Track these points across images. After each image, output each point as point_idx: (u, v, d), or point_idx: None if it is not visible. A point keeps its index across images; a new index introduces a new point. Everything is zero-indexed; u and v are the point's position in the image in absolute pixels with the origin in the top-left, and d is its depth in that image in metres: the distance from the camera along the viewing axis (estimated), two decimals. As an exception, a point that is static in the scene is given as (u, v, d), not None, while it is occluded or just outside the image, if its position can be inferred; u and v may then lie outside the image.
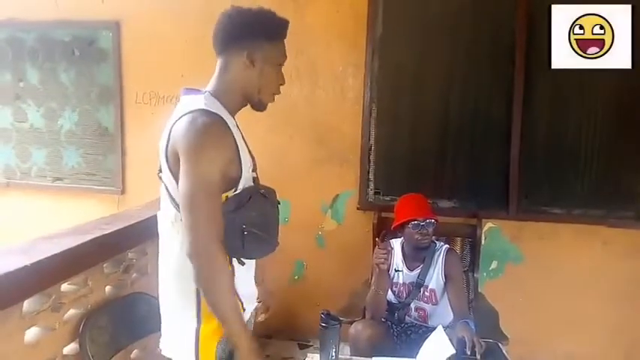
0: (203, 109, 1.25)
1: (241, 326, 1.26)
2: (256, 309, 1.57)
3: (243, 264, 1.33)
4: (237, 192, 1.28)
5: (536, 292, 2.90)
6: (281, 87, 1.43)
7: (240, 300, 1.33)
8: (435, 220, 2.22)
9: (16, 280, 1.40)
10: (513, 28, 2.83)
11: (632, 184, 2.80)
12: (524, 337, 2.70)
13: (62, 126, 3.43)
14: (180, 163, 1.22)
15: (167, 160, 1.27)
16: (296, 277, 3.22)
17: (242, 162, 1.29)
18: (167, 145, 1.26)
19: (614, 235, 2.82)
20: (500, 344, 1.96)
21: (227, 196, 1.27)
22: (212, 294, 1.22)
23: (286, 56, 1.40)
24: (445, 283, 2.23)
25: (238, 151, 1.28)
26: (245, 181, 1.31)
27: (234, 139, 1.28)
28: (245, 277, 1.38)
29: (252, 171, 1.37)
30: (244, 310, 1.36)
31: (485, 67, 2.92)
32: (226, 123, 1.28)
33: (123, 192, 3.39)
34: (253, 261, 1.43)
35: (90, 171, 3.45)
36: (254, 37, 1.32)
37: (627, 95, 2.79)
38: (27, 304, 1.51)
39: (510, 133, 2.86)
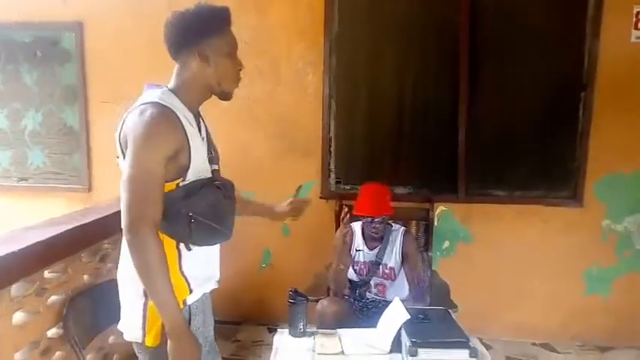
0: (155, 102, 1.31)
1: (172, 312, 1.28)
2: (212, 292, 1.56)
3: (189, 249, 1.38)
4: (187, 182, 1.34)
5: (484, 268, 3.17)
6: (241, 72, 1.47)
7: (186, 281, 1.38)
8: (389, 214, 2.43)
9: (5, 265, 1.52)
10: (458, 23, 3.06)
11: (567, 166, 3.10)
12: (474, 310, 2.95)
13: (26, 126, 3.47)
14: (127, 150, 1.28)
15: (121, 149, 1.35)
16: (263, 265, 3.38)
17: (192, 152, 1.34)
18: (120, 134, 1.34)
19: (551, 214, 3.12)
20: (450, 311, 2.18)
21: (177, 184, 1.34)
22: (143, 274, 1.26)
23: (236, 43, 1.45)
24: (402, 261, 2.45)
25: (188, 141, 1.33)
26: (196, 172, 1.36)
27: (185, 130, 1.33)
28: (200, 261, 1.42)
29: (213, 164, 1.45)
30: (191, 291, 1.40)
31: (435, 62, 3.17)
32: (176, 115, 1.32)
33: (89, 189, 3.46)
34: (215, 247, 1.50)
35: (56, 170, 3.50)
36: (199, 36, 1.37)
37: (564, 83, 3.09)
38: (14, 289, 1.63)
39: (458, 124, 3.11)
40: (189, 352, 1.32)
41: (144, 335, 1.36)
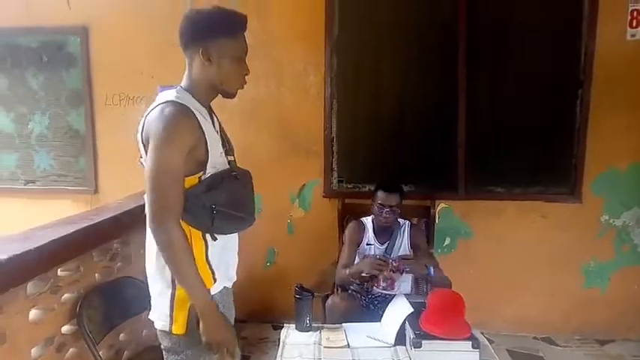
0: (172, 101, 1.39)
1: (201, 294, 1.39)
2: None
3: (215, 239, 1.47)
4: (208, 175, 1.42)
5: (485, 264, 3.22)
6: (246, 77, 1.52)
7: (212, 270, 1.48)
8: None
9: (22, 262, 1.56)
10: (456, 23, 3.12)
11: (565, 162, 3.16)
12: (476, 305, 2.96)
13: (33, 130, 3.52)
14: (149, 148, 1.36)
15: (145, 148, 1.40)
16: (268, 264, 3.43)
17: (209, 147, 1.41)
18: (142, 134, 1.41)
19: (551, 209, 3.17)
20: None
21: (199, 178, 1.41)
22: (170, 262, 1.36)
23: (246, 49, 1.49)
24: (411, 253, 2.53)
25: (205, 137, 1.40)
26: (215, 164, 1.43)
27: (201, 126, 1.40)
28: (222, 250, 1.51)
29: (228, 155, 1.51)
30: (215, 280, 1.49)
31: (433, 62, 3.22)
32: (192, 112, 1.40)
33: (96, 191, 3.51)
34: (234, 236, 1.59)
35: (62, 172, 3.56)
36: (208, 34, 1.42)
37: (561, 80, 3.15)
38: (30, 287, 1.68)
39: (457, 123, 3.16)
40: (221, 330, 1.42)
41: (171, 324, 1.44)
